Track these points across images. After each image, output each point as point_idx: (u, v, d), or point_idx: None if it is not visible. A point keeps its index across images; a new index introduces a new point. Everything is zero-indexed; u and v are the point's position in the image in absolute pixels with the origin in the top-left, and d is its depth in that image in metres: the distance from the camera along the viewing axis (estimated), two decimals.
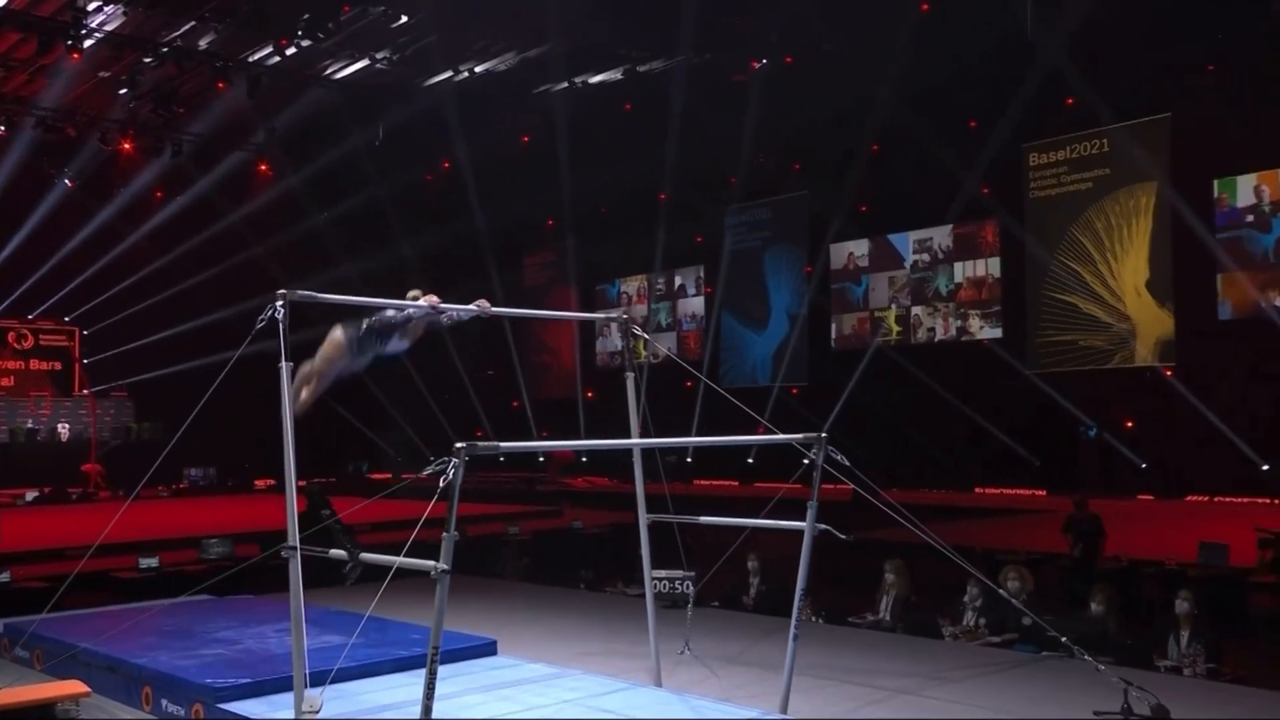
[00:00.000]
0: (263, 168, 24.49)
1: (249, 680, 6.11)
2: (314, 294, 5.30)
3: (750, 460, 20.41)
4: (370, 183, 23.20)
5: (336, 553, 4.82)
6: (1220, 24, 15.96)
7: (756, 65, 20.08)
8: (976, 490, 18.31)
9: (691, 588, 7.90)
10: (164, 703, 6.29)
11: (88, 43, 17.91)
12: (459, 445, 4.18)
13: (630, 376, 6.66)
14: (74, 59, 17.97)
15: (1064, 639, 5.89)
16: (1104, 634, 7.04)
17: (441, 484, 4.07)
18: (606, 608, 9.76)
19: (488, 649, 7.10)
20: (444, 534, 4.18)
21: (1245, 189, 16.80)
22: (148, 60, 18.93)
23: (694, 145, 20.78)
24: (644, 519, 6.57)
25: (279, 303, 5.03)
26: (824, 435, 5.74)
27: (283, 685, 6.01)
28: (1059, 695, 6.32)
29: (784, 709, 5.82)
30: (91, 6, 17.25)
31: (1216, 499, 16.61)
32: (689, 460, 21.40)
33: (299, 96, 21.22)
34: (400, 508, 9.38)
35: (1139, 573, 10.05)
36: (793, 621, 5.82)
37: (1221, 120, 16.41)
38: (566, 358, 26.96)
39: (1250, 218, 16.72)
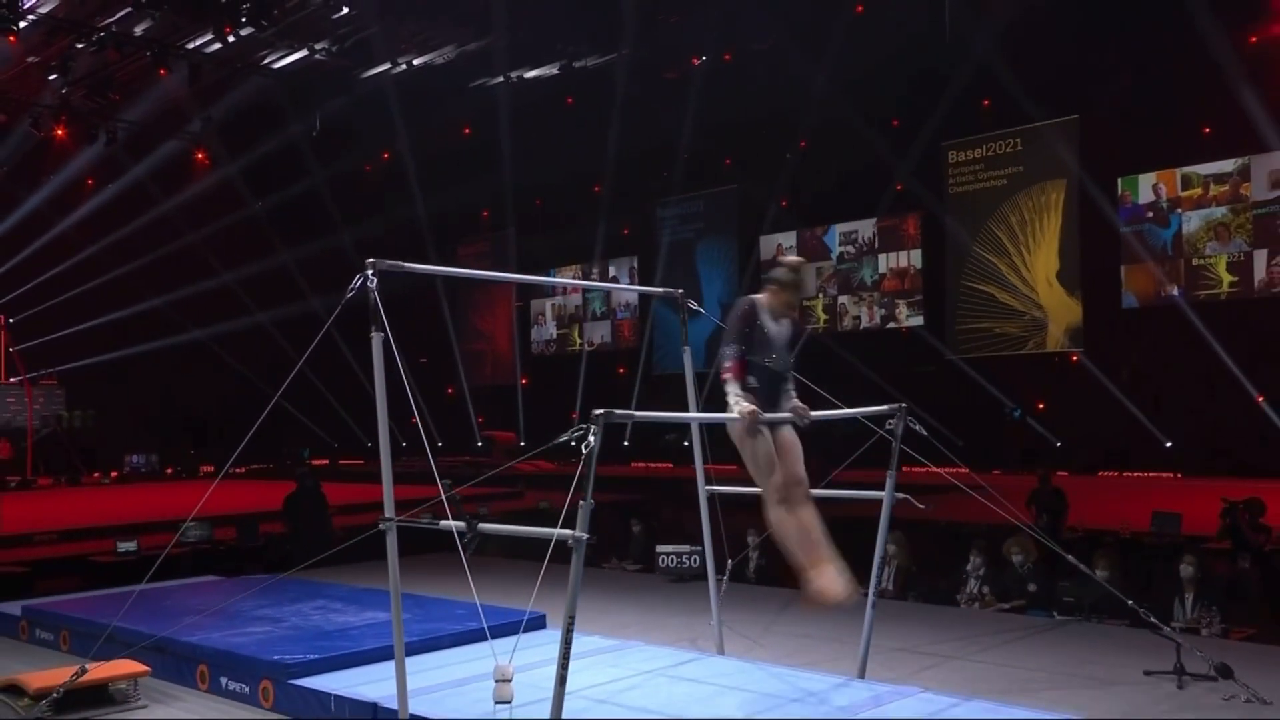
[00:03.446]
0: (199, 156, 24.30)
1: (317, 656, 5.99)
2: (400, 264, 5.22)
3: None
4: (308, 173, 23.24)
5: (449, 524, 4.76)
6: (1126, 34, 17.27)
7: (697, 62, 20.79)
8: (904, 469, 19.23)
9: (700, 562, 8.07)
10: (224, 680, 6.11)
11: (20, 24, 17.62)
12: (597, 411, 4.17)
13: (687, 350, 6.81)
14: (11, 42, 17.64)
15: (1130, 603, 6.11)
16: (1116, 599, 7.04)
17: (584, 450, 4.09)
18: (614, 583, 9.79)
19: (538, 622, 6.91)
20: (581, 501, 4.15)
21: (1146, 187, 18.17)
22: (81, 45, 18.72)
23: (628, 139, 21.39)
24: (703, 491, 6.57)
25: (370, 271, 4.95)
26: (903, 406, 5.78)
27: (351, 660, 6.04)
28: (1101, 658, 6.48)
29: (862, 674, 5.92)
30: None
31: (1125, 475, 17.84)
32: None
33: (236, 85, 21.18)
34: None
35: (1098, 541, 10.54)
36: (871, 590, 5.84)
37: (1124, 123, 17.72)
38: (503, 345, 27.32)
39: (1150, 214, 18.10)
